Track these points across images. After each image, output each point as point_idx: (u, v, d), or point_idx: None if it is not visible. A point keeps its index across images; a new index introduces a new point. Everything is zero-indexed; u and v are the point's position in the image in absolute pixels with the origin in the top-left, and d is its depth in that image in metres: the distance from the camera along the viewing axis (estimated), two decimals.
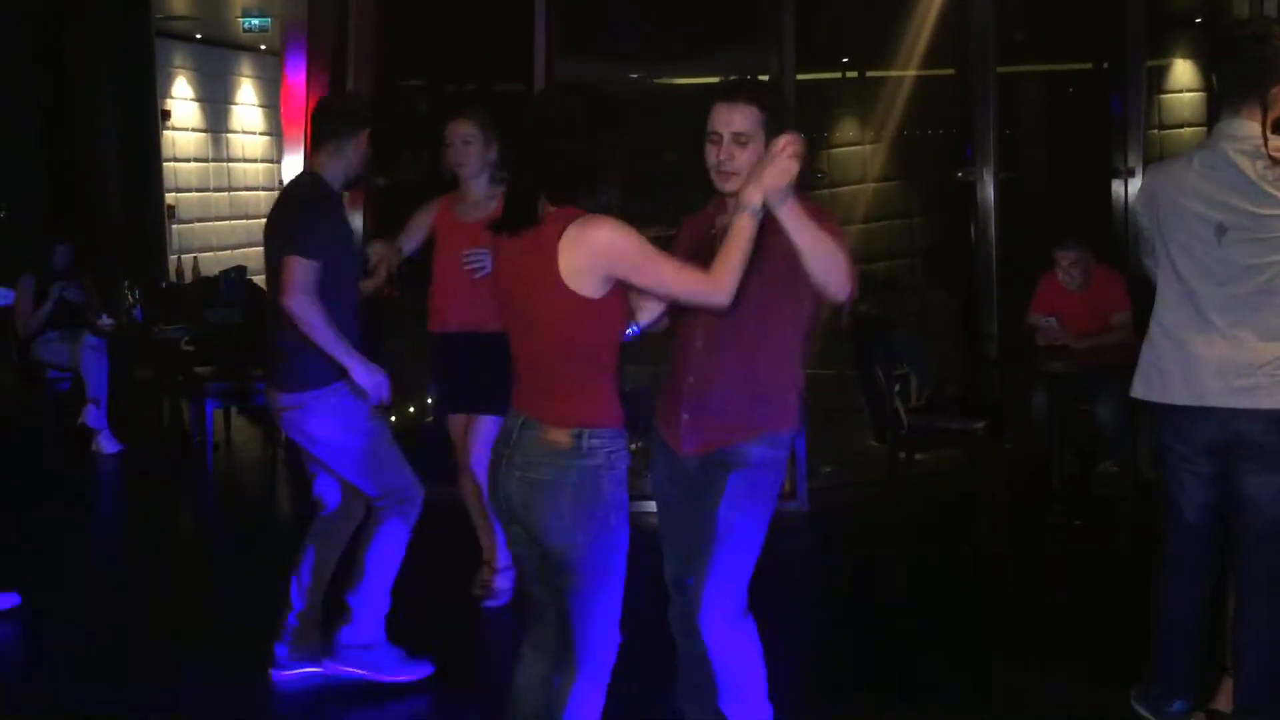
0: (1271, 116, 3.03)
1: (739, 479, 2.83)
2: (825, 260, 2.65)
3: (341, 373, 3.61)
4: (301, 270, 3.50)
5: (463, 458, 4.45)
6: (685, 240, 3.00)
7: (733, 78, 2.99)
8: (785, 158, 2.53)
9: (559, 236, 2.42)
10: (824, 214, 2.85)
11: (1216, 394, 3.03)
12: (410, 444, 4.26)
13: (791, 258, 2.68)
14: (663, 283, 2.48)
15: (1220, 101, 3.11)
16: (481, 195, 4.37)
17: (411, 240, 4.48)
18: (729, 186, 2.79)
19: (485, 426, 4.27)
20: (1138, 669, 3.42)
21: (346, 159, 3.71)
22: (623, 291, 2.51)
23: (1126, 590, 4.32)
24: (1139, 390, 3.22)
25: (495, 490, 2.61)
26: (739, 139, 2.78)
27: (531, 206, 2.48)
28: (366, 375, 3.62)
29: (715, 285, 2.48)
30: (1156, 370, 3.17)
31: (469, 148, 4.33)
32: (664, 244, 3.15)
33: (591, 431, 2.49)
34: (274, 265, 3.65)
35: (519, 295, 2.53)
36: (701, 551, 2.85)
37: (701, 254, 2.82)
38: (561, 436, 2.48)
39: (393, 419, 5.55)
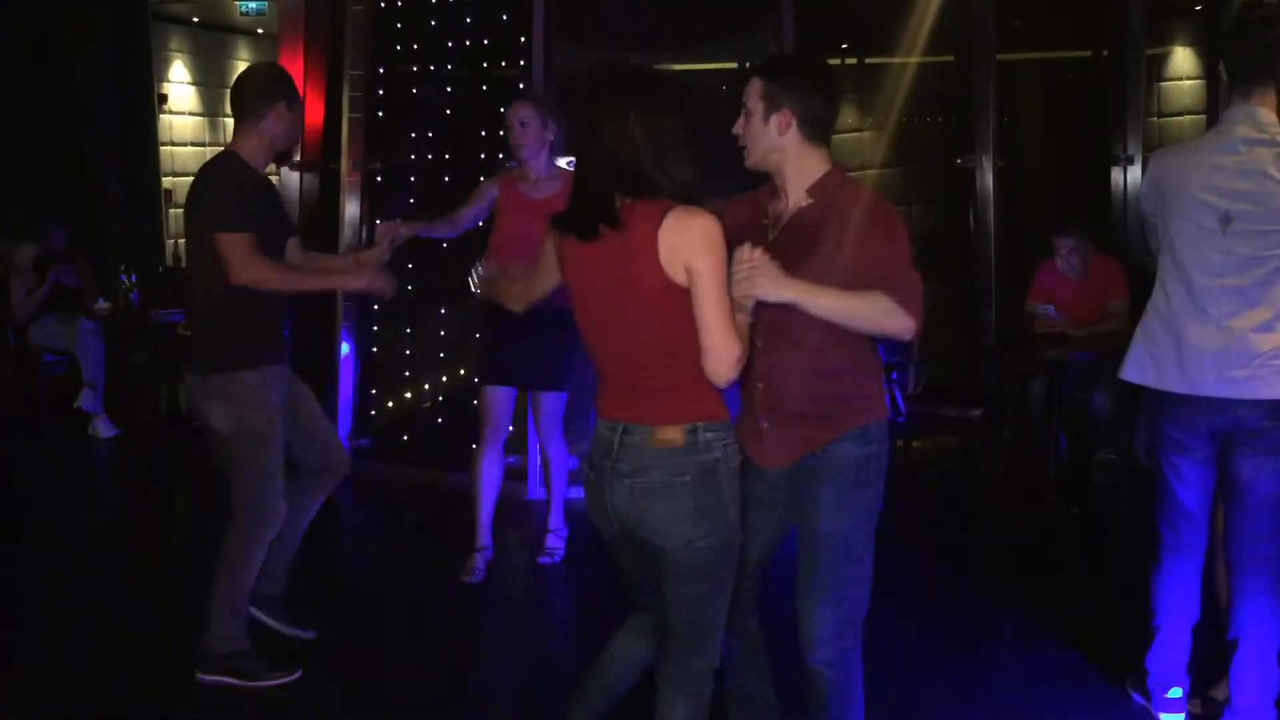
0: None
1: (834, 490, 2.67)
2: (867, 321, 2.58)
3: (248, 362, 3.59)
4: (234, 244, 3.48)
5: (491, 431, 4.62)
6: (733, 226, 2.80)
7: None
8: (743, 272, 2.43)
9: (657, 226, 2.33)
10: (880, 213, 2.70)
11: (1212, 384, 3.03)
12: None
13: (844, 244, 2.58)
14: (711, 306, 2.35)
15: (1230, 87, 3.07)
16: (544, 174, 4.57)
17: (472, 213, 4.64)
18: (747, 161, 2.73)
19: (548, 404, 4.64)
20: (1135, 657, 3.43)
21: (266, 133, 3.67)
22: None
23: (1123, 577, 4.33)
24: (1131, 373, 3.21)
25: (600, 508, 2.48)
26: (744, 110, 2.70)
27: (609, 206, 2.37)
28: (358, 281, 3.70)
29: (732, 355, 2.36)
30: (1150, 355, 3.16)
31: (526, 129, 4.50)
32: None
33: (705, 425, 2.39)
34: (201, 251, 3.60)
35: (609, 296, 2.41)
36: (809, 577, 2.68)
37: (752, 241, 2.72)
38: (674, 434, 2.37)
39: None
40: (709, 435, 2.39)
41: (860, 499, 2.70)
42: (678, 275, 2.34)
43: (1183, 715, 3.33)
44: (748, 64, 2.90)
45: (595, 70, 2.48)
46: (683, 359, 2.39)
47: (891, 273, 2.62)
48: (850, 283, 2.58)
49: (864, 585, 2.72)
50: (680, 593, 2.44)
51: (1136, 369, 3.20)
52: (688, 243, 2.33)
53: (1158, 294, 3.18)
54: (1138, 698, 3.43)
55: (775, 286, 2.46)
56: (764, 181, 2.79)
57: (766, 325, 2.66)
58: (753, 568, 2.78)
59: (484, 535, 4.65)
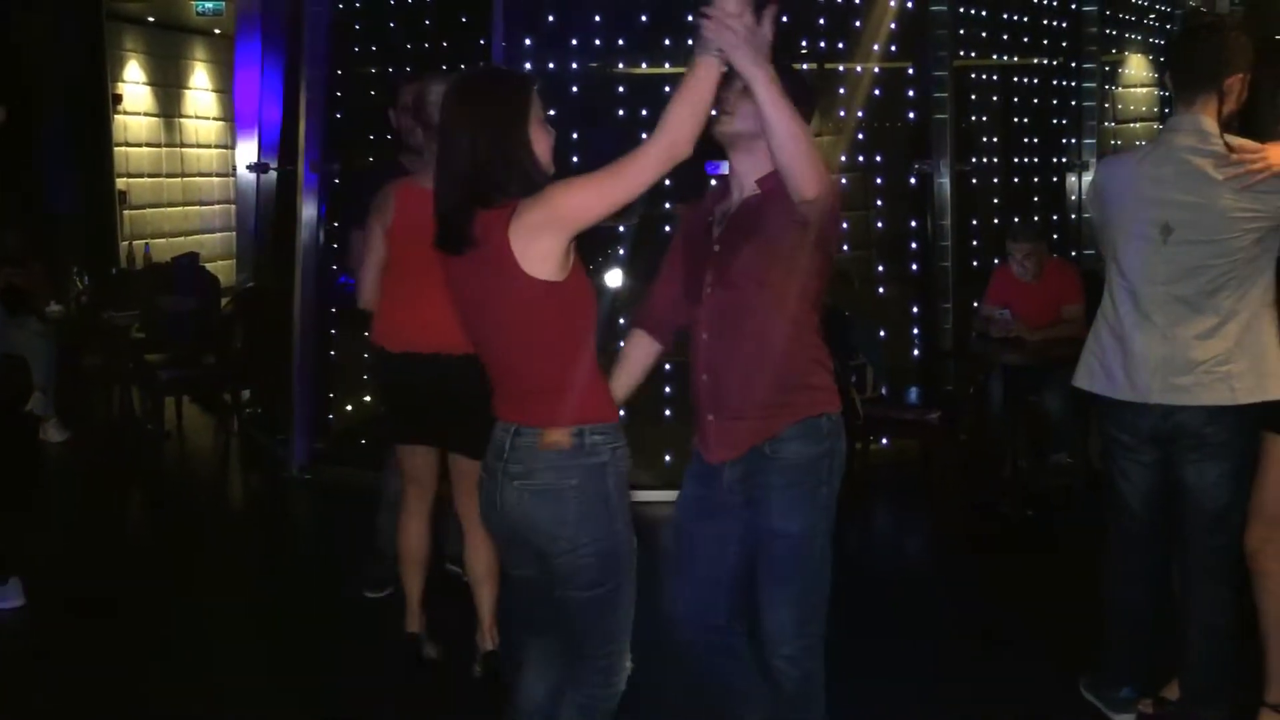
0: (1227, 108, 3.04)
1: (786, 490, 2.65)
2: (794, 145, 2.42)
3: None
4: None
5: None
6: (683, 233, 2.85)
7: None
8: (719, 26, 2.32)
9: (506, 228, 2.32)
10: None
11: (1158, 391, 3.06)
12: None
13: (789, 225, 2.55)
14: (619, 185, 2.28)
15: (1175, 96, 3.10)
16: None
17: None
18: (720, 124, 2.65)
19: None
20: (1088, 657, 3.46)
21: None
22: (586, 275, 2.42)
23: (1076, 579, 4.36)
24: (1082, 381, 3.25)
25: (491, 509, 2.47)
26: (745, 85, 2.57)
27: (463, 221, 2.36)
28: None
29: (666, 136, 2.26)
30: (1100, 363, 3.19)
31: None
32: (648, 223, 3.04)
33: (592, 428, 2.38)
34: None
35: (484, 303, 2.41)
36: (768, 578, 2.68)
37: (700, 245, 2.75)
38: (561, 436, 2.36)
39: None
40: (596, 438, 2.38)
41: (814, 498, 2.69)
42: (541, 268, 2.31)
43: (1133, 716, 3.36)
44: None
45: (451, 80, 2.48)
46: (565, 360, 2.38)
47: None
48: (791, 261, 2.58)
49: (824, 583, 2.73)
50: (569, 599, 2.42)
51: (1087, 377, 3.24)
52: (540, 219, 2.30)
53: (1106, 302, 3.21)
54: (1091, 698, 3.46)
55: (742, 52, 2.35)
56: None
57: (712, 316, 2.68)
58: (725, 574, 2.76)
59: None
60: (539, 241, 2.31)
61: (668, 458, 5.60)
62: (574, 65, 5.93)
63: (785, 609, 2.69)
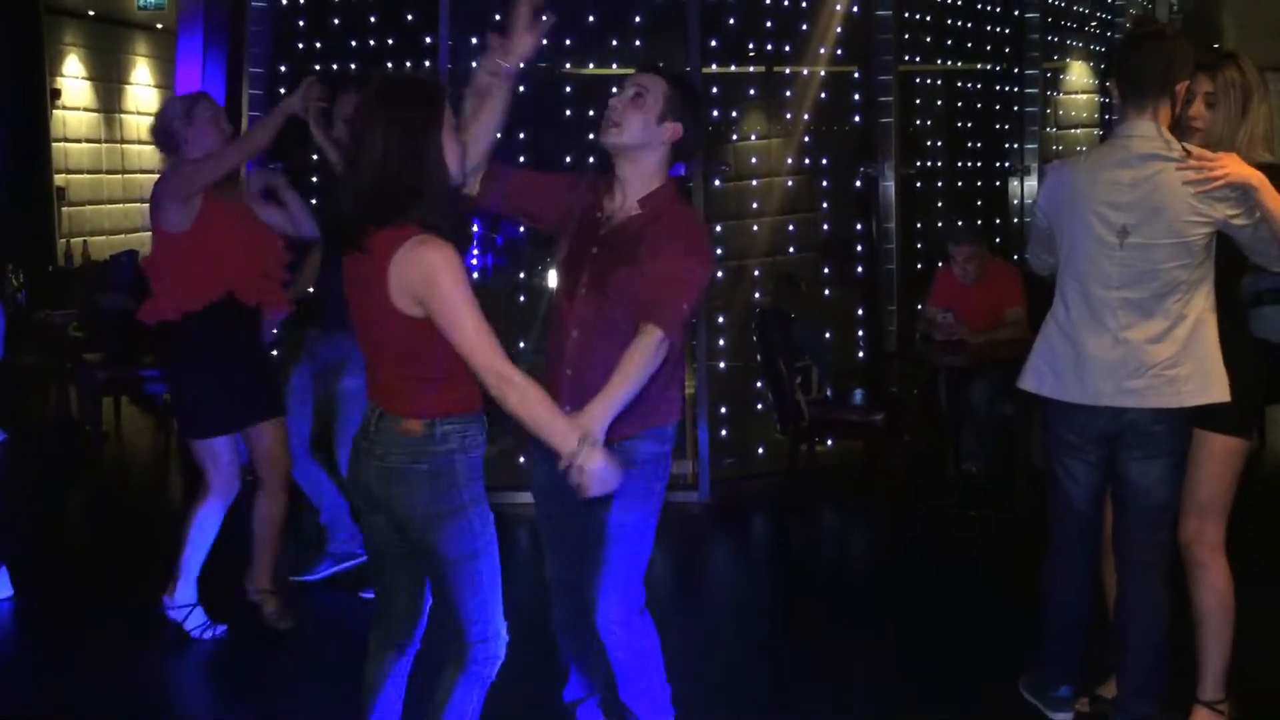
0: (1178, 111, 3.09)
1: (629, 479, 2.74)
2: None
3: None
4: None
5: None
6: (562, 199, 2.95)
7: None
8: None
9: (389, 258, 2.40)
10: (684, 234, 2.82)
11: (1110, 394, 3.09)
12: None
13: (650, 276, 2.71)
14: (461, 337, 2.41)
15: (1124, 102, 3.12)
16: None
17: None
18: (607, 136, 2.80)
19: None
20: (1026, 655, 3.50)
21: None
22: None
23: (1016, 578, 4.41)
24: (1030, 383, 3.27)
25: (355, 482, 2.63)
26: (638, 94, 2.80)
27: (356, 229, 2.45)
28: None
29: (503, 380, 2.43)
30: (1049, 366, 3.21)
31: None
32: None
33: (444, 419, 2.51)
34: None
35: (359, 305, 2.54)
36: (594, 553, 2.86)
37: (582, 229, 2.87)
38: (415, 426, 2.51)
39: None
40: (447, 428, 2.52)
41: (650, 492, 2.88)
42: (407, 307, 2.42)
43: (1070, 714, 3.40)
44: (660, 64, 2.96)
45: (367, 87, 2.57)
46: (421, 369, 2.50)
47: (657, 292, 2.72)
48: (638, 297, 2.72)
49: (643, 561, 2.91)
50: (432, 573, 2.60)
51: (1036, 379, 3.25)
52: (414, 278, 2.40)
53: (1057, 306, 3.23)
54: (1029, 697, 3.49)
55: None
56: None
57: (583, 317, 2.82)
58: (565, 580, 2.99)
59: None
60: (409, 285, 2.40)
61: (523, 459, 5.51)
62: (520, 65, 5.90)
63: (613, 596, 2.87)
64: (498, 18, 5.78)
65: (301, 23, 6.33)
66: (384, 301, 2.43)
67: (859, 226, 6.74)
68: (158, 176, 4.06)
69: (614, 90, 2.86)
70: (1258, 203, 2.92)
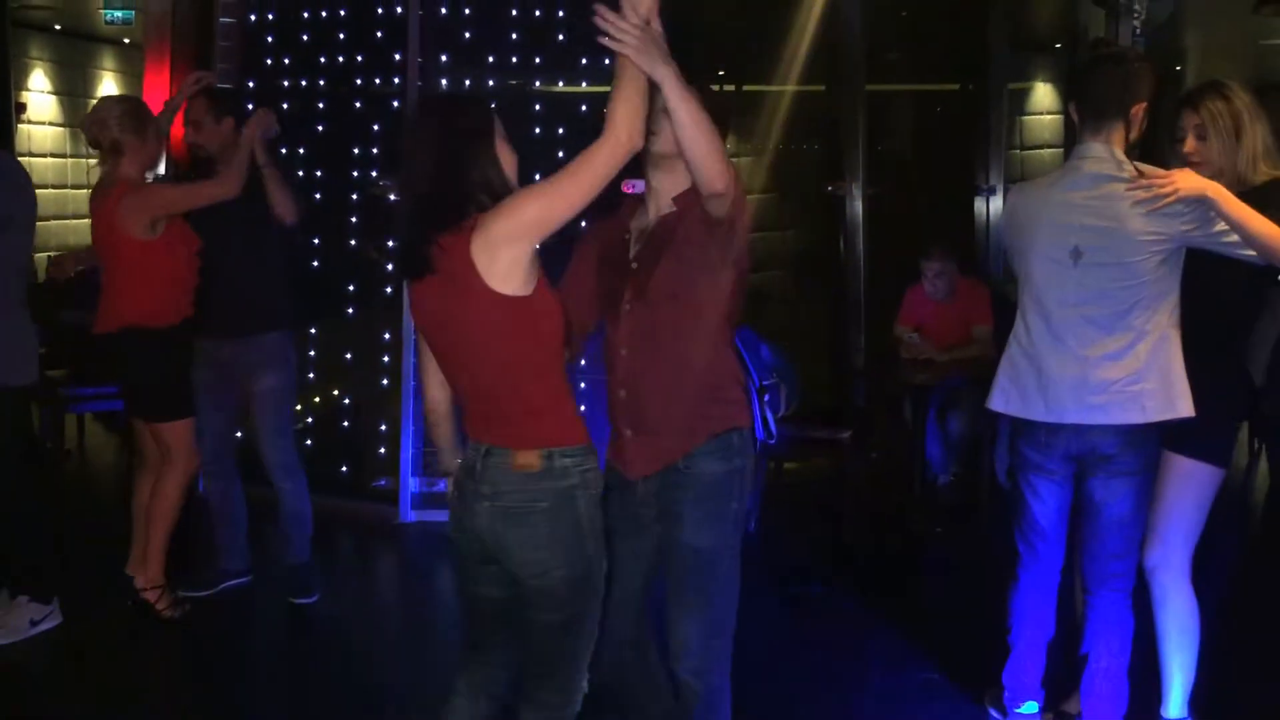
0: (1132, 135, 3.13)
1: (698, 504, 2.68)
2: (700, 138, 2.43)
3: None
4: None
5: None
6: (594, 249, 2.85)
7: None
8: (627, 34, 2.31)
9: (468, 244, 2.29)
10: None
11: (1074, 412, 3.11)
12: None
13: (699, 241, 2.61)
14: (576, 187, 2.27)
15: (1081, 125, 3.16)
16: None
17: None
18: (652, 144, 2.64)
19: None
20: (991, 672, 3.51)
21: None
22: (554, 292, 2.41)
23: (982, 595, 4.43)
24: (997, 404, 3.29)
25: (462, 528, 2.46)
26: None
27: (425, 245, 2.35)
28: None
29: (614, 136, 2.26)
30: (1014, 386, 3.23)
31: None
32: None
33: (561, 450, 2.37)
34: None
35: (447, 324, 2.39)
36: (677, 591, 2.71)
37: (618, 262, 2.77)
38: (532, 459, 2.36)
39: None
40: (566, 461, 2.38)
41: (724, 513, 2.73)
42: (506, 283, 2.30)
43: None
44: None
45: (417, 103, 2.53)
46: (532, 381, 2.38)
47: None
48: (707, 277, 2.63)
49: (732, 598, 2.76)
50: (537, 622, 2.43)
51: (1002, 399, 3.27)
52: (502, 240, 2.28)
53: (1019, 326, 3.26)
54: (994, 713, 3.51)
55: (645, 55, 2.34)
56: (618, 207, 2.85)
57: (631, 332, 2.70)
58: (639, 589, 2.81)
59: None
60: (503, 254, 2.29)
61: None
62: (490, 82, 5.91)
63: (693, 623, 2.71)
64: (467, 35, 5.84)
65: (270, 38, 6.31)
66: (483, 295, 2.29)
67: (827, 245, 6.77)
68: (117, 188, 4.15)
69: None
70: (1220, 212, 2.95)
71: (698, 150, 2.44)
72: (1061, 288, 3.12)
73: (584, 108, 5.76)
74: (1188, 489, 3.21)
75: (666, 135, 2.61)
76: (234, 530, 4.66)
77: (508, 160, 2.42)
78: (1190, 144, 3.20)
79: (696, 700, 2.74)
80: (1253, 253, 2.96)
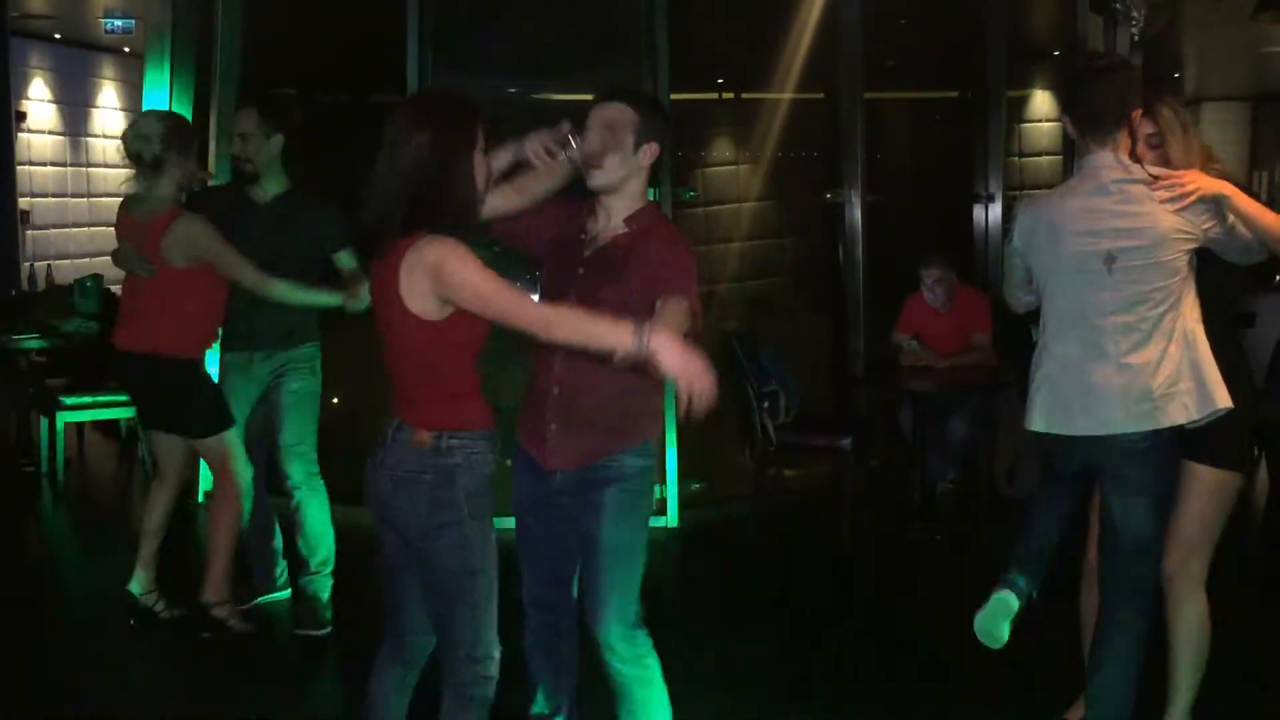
0: (1140, 135, 3.15)
1: (618, 494, 2.84)
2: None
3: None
4: None
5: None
6: (551, 224, 2.96)
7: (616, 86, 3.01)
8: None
9: (400, 260, 2.45)
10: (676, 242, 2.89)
11: (1121, 421, 3.07)
12: None
13: (647, 279, 2.76)
14: (488, 306, 2.44)
15: (1081, 137, 3.15)
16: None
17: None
18: (592, 180, 2.85)
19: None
20: (996, 680, 3.50)
21: None
22: (471, 320, 2.51)
23: (981, 602, 4.43)
24: (1038, 424, 3.20)
25: (370, 495, 2.67)
26: (609, 130, 2.83)
27: (379, 242, 2.52)
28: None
29: (547, 320, 2.47)
30: (1056, 404, 3.17)
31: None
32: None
33: (451, 433, 2.58)
34: None
35: (379, 317, 2.60)
36: (592, 572, 2.87)
37: (566, 252, 2.91)
38: (424, 437, 2.57)
39: None
40: (453, 443, 2.58)
41: (640, 505, 2.91)
42: (422, 308, 2.47)
43: (1014, 597, 3.28)
44: (610, 87, 3.01)
45: (406, 99, 2.62)
46: (439, 378, 2.58)
47: (667, 274, 2.77)
48: (646, 304, 2.72)
49: (639, 577, 2.92)
50: (430, 585, 2.63)
51: (1043, 419, 3.20)
52: (423, 273, 2.44)
53: (1049, 344, 3.21)
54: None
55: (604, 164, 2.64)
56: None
57: None
58: (558, 559, 2.99)
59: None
60: (418, 284, 2.45)
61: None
62: (490, 91, 5.92)
63: (612, 614, 2.86)
64: (466, 44, 5.85)
65: (271, 47, 6.31)
66: (399, 307, 2.48)
67: (826, 252, 6.78)
68: (168, 212, 4.09)
69: (574, 130, 2.87)
70: (1232, 208, 3.00)
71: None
72: (1097, 297, 3.09)
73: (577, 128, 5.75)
74: (1209, 497, 3.20)
75: (610, 168, 2.83)
76: (264, 539, 4.59)
77: (481, 173, 2.54)
78: (1142, 150, 3.21)
79: (631, 684, 2.91)
80: (1250, 246, 3.03)
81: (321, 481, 4.42)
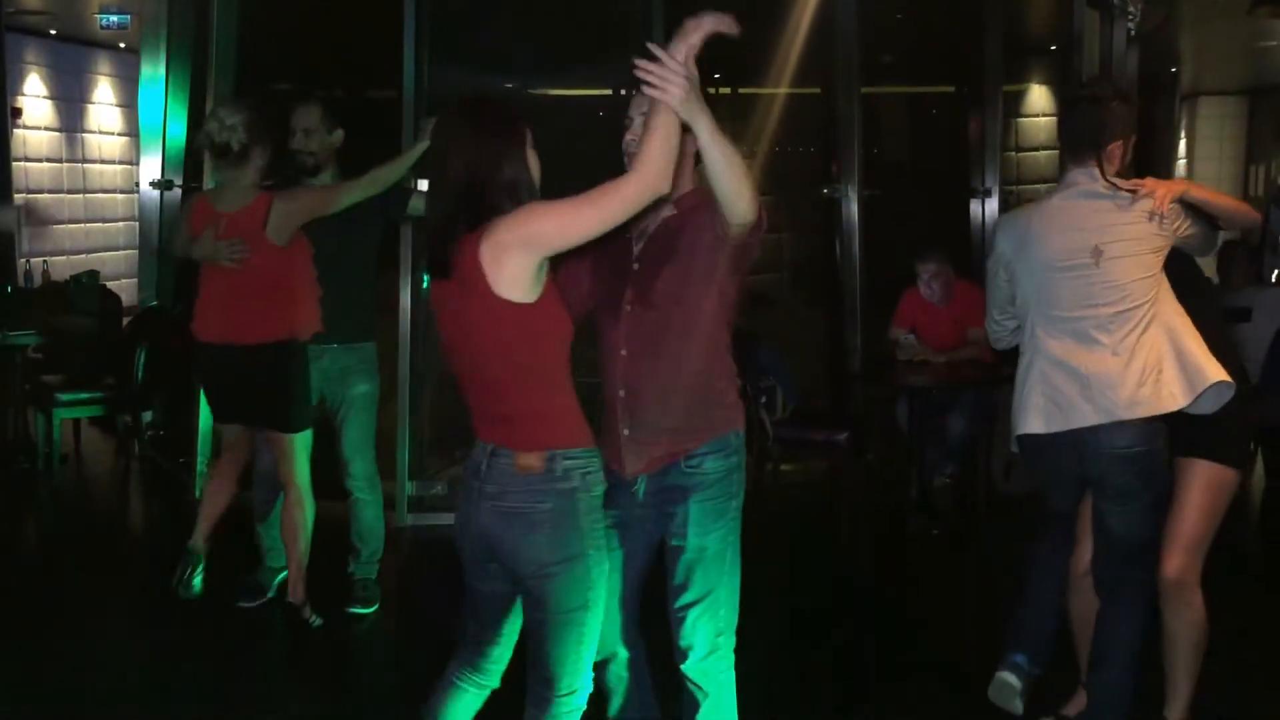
0: (1111, 170, 3.21)
1: (701, 504, 2.72)
2: (735, 178, 2.50)
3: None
4: None
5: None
6: (591, 246, 2.83)
7: None
8: (695, 33, 2.35)
9: (478, 246, 2.34)
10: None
11: (1124, 406, 3.10)
12: None
13: (704, 247, 2.64)
14: (594, 214, 2.31)
15: (1068, 155, 3.28)
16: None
17: None
18: (633, 149, 2.66)
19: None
20: (989, 676, 3.50)
21: None
22: (560, 298, 2.44)
23: (979, 596, 4.44)
24: (1037, 425, 3.22)
25: (464, 528, 2.50)
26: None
27: (447, 244, 2.39)
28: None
29: (644, 175, 2.31)
30: (1054, 402, 3.19)
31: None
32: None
33: (564, 453, 2.42)
34: None
35: (459, 324, 2.45)
36: (682, 590, 2.73)
37: (620, 261, 2.77)
38: (534, 461, 2.40)
39: None
40: (568, 463, 2.42)
41: (726, 510, 2.76)
42: (510, 289, 2.34)
43: (1016, 679, 3.36)
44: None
45: (451, 107, 2.51)
46: (535, 385, 2.43)
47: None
48: (709, 282, 2.65)
49: (734, 596, 2.79)
50: (537, 619, 2.46)
51: (1041, 420, 3.21)
52: (513, 244, 2.32)
53: (1037, 345, 3.23)
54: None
55: (687, 104, 2.35)
56: None
57: (631, 333, 2.71)
58: (633, 590, 2.83)
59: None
60: (509, 261, 2.33)
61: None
62: (488, 87, 5.91)
63: (698, 622, 2.73)
64: (464, 40, 5.85)
65: (268, 43, 6.31)
66: (486, 297, 2.34)
67: (823, 247, 6.78)
68: (259, 198, 4.11)
69: (627, 121, 2.77)
70: (1198, 201, 3.14)
71: (731, 188, 2.52)
72: (1087, 292, 3.15)
73: (601, 113, 5.75)
74: (1208, 494, 3.22)
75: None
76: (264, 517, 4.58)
77: (534, 167, 2.47)
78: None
79: (705, 698, 2.77)
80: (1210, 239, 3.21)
81: (379, 481, 4.55)
